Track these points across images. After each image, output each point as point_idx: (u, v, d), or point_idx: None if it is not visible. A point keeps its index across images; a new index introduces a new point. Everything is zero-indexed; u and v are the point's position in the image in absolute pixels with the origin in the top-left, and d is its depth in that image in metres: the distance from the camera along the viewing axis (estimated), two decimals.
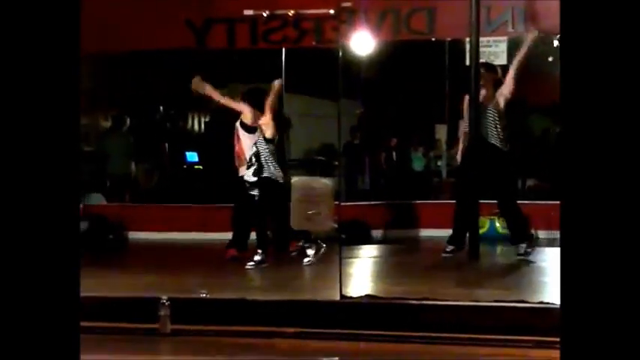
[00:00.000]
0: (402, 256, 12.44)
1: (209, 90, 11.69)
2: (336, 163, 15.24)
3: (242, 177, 11.43)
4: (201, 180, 16.89)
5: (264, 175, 11.10)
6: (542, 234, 13.58)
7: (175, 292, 8.72)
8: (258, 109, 11.17)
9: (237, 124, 11.55)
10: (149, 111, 17.92)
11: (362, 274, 11.08)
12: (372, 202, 15.21)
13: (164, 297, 8.29)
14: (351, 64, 12.79)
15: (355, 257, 12.04)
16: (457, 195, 11.83)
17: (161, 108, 18.00)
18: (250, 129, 11.42)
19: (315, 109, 17.60)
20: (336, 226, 11.33)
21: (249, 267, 10.87)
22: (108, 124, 16.92)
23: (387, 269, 11.49)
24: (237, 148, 11.52)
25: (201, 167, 17.52)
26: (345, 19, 13.50)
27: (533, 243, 12.15)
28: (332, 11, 13.31)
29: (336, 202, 11.85)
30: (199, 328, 8.26)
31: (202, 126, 19.80)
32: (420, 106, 17.69)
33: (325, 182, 11.37)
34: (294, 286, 9.76)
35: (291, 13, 14.28)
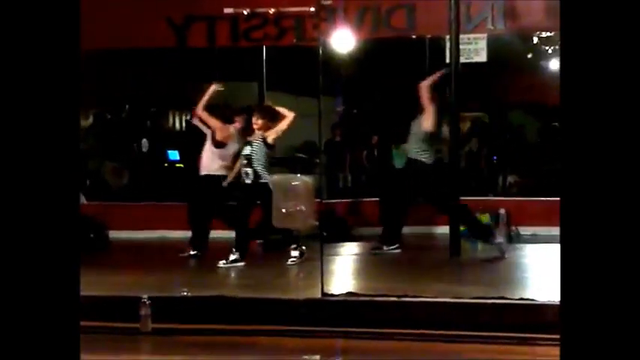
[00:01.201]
0: (383, 253, 12.45)
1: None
2: (317, 160, 15.23)
3: (210, 176, 11.89)
4: (182, 178, 16.83)
5: (262, 180, 11.05)
6: (522, 230, 13.64)
7: (156, 291, 8.72)
8: (271, 122, 11.18)
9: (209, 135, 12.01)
10: (130, 109, 17.87)
11: (343, 271, 11.09)
12: (353, 200, 15.22)
13: (145, 296, 8.28)
14: (331, 61, 12.80)
15: (336, 255, 12.05)
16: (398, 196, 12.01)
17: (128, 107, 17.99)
18: (219, 144, 11.95)
19: (296, 107, 17.58)
20: (316, 223, 11.36)
21: (222, 265, 10.84)
22: (89, 122, 16.85)
23: (368, 266, 11.50)
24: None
25: (182, 165, 17.46)
26: (325, 16, 13.53)
27: (513, 239, 12.22)
28: (312, 9, 13.34)
29: (317, 200, 11.89)
30: (180, 326, 8.26)
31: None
32: (401, 104, 17.67)
33: (306, 180, 11.40)
34: (276, 284, 9.76)
35: (271, 11, 14.30)
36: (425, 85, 11.52)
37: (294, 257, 11.09)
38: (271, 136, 11.06)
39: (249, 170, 11.04)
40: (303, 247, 11.16)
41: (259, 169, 11.00)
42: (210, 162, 11.93)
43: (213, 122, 11.92)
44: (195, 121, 12.29)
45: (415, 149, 11.75)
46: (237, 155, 11.65)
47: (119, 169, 17.05)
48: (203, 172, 12.01)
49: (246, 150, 11.12)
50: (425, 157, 11.63)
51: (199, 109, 11.94)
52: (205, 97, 11.94)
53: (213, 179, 11.90)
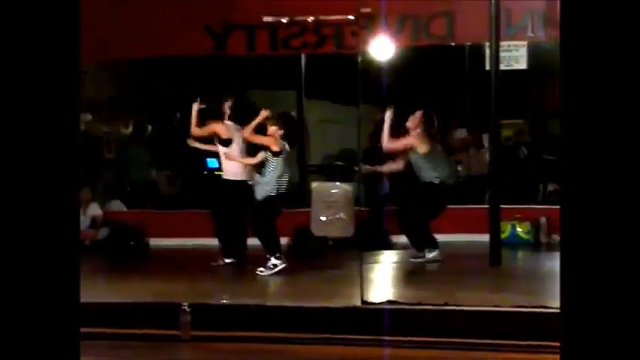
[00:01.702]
0: (421, 262, 12.40)
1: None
2: (356, 168, 15.20)
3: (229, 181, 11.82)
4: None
5: (270, 194, 11.03)
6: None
7: (196, 298, 8.74)
8: (288, 132, 11.16)
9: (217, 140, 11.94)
10: (169, 118, 17.93)
11: (383, 279, 11.06)
12: (393, 207, 15.16)
13: (185, 303, 8.30)
14: (370, 69, 12.77)
15: (375, 263, 12.02)
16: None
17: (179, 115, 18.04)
18: (225, 142, 11.83)
19: (335, 115, 17.56)
20: (355, 231, 11.34)
21: (263, 274, 10.81)
22: (129, 131, 16.93)
23: (407, 275, 11.46)
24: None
25: (221, 173, 17.50)
26: (365, 24, 13.50)
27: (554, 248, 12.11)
28: (351, 17, 13.32)
29: (356, 208, 11.87)
30: (220, 334, 8.27)
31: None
32: (440, 112, 17.64)
33: (345, 188, 11.39)
34: (315, 291, 9.74)
35: (310, 19, 14.30)
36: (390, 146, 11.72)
37: (270, 268, 10.90)
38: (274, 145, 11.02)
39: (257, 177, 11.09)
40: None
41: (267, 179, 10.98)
42: (231, 167, 11.86)
43: (211, 128, 11.90)
44: (194, 144, 12.23)
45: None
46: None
47: (172, 176, 17.13)
48: (226, 177, 11.95)
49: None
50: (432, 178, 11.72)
51: (193, 134, 12.00)
52: (193, 121, 11.94)
53: (232, 184, 11.84)
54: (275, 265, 10.82)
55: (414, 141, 11.67)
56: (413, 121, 11.80)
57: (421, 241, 11.84)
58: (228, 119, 11.89)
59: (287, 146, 11.03)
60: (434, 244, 11.77)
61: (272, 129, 11.07)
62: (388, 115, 11.65)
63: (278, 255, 10.89)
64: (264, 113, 11.29)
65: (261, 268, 10.84)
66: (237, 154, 11.74)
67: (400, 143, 11.72)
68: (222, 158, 11.95)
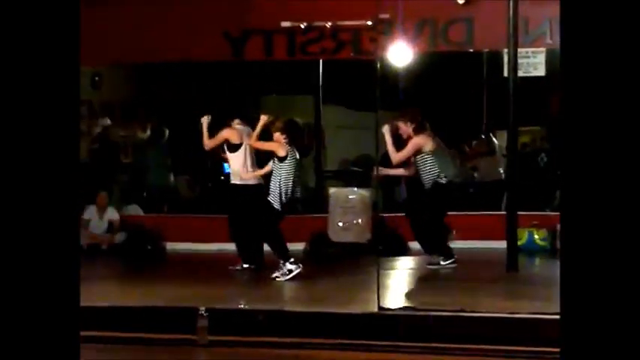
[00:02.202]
0: (438, 268, 12.39)
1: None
2: (373, 173, 15.20)
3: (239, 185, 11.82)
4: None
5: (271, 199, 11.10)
6: None
7: (213, 303, 8.75)
8: (293, 138, 11.24)
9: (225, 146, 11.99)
10: (187, 122, 17.99)
11: (399, 285, 11.06)
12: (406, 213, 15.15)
13: (202, 308, 8.31)
14: (388, 75, 12.77)
15: (392, 269, 12.01)
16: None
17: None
18: (234, 147, 11.87)
19: (353, 121, 17.55)
20: (372, 237, 11.33)
21: (280, 279, 10.82)
22: (146, 135, 16.97)
23: (424, 281, 11.45)
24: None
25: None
26: (383, 30, 13.50)
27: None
28: (369, 22, 13.32)
29: (374, 214, 11.87)
30: (237, 338, 8.28)
31: None
32: (458, 118, 17.60)
33: (363, 193, 11.39)
34: (331, 297, 9.74)
35: (328, 24, 14.31)
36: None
37: (285, 274, 10.91)
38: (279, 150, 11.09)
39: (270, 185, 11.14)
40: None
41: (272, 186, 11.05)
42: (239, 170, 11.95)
43: (222, 136, 12.00)
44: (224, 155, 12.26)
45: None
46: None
47: (190, 181, 17.17)
48: (234, 181, 12.01)
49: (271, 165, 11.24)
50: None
51: (205, 147, 12.11)
52: (204, 134, 12.06)
53: (241, 188, 11.92)
54: (290, 271, 10.82)
55: (420, 140, 11.64)
56: (404, 128, 11.77)
57: (434, 245, 11.83)
58: (239, 124, 11.96)
59: (296, 153, 11.08)
60: (449, 254, 11.76)
61: (277, 135, 11.14)
62: (387, 129, 11.64)
63: (292, 260, 10.90)
64: (264, 118, 11.36)
65: (277, 274, 10.85)
66: (242, 159, 11.80)
67: (408, 149, 11.70)
68: (230, 163, 12.01)
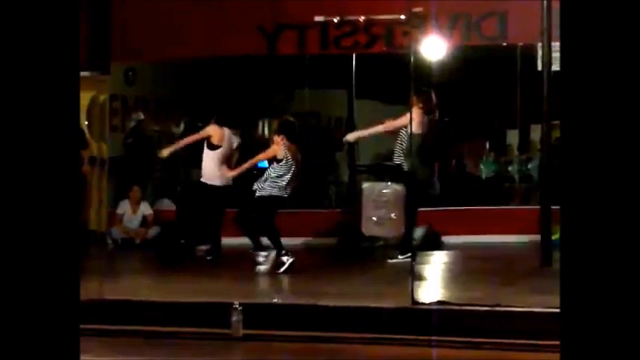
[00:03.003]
0: (472, 263, 12.36)
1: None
2: (405, 168, 15.17)
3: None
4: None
5: (257, 194, 11.27)
6: None
7: (247, 298, 8.77)
8: (290, 137, 11.45)
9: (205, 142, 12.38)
10: (221, 117, 18.03)
11: (433, 280, 11.03)
12: (442, 208, 15.12)
13: (236, 302, 8.33)
14: (421, 69, 12.74)
15: (426, 263, 11.98)
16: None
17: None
18: (214, 147, 12.29)
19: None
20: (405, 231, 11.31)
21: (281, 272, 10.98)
22: (180, 130, 17.01)
23: (458, 275, 11.42)
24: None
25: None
26: (416, 24, 13.45)
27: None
28: (403, 16, 13.26)
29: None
30: (271, 332, 8.29)
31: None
32: (492, 112, 17.56)
33: (397, 187, 11.35)
34: (364, 292, 9.74)
35: (361, 18, 14.29)
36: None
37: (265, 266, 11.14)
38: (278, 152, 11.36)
39: (257, 184, 11.33)
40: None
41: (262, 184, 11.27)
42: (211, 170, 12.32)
43: (206, 132, 12.39)
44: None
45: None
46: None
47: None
48: (205, 180, 12.40)
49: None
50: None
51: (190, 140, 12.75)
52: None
53: (209, 188, 12.34)
54: (283, 263, 10.98)
55: (406, 119, 11.63)
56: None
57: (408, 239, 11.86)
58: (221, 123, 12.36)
59: (289, 157, 11.31)
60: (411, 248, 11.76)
61: (276, 137, 11.40)
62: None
63: (284, 252, 11.10)
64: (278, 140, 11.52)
65: (263, 266, 11.10)
66: (217, 161, 12.30)
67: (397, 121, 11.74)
68: (204, 160, 12.39)
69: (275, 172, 11.26)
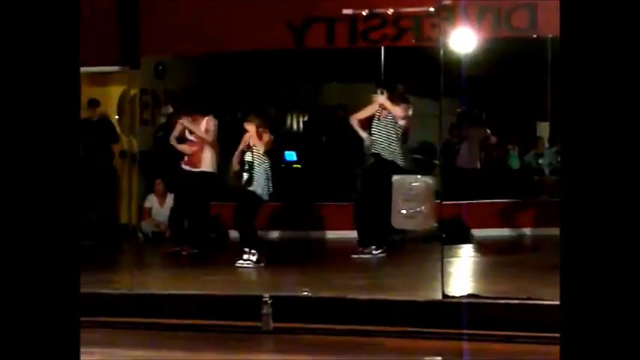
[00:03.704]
0: (502, 256, 12.33)
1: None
2: (436, 162, 15.14)
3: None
4: (299, 179, 16.91)
5: (250, 188, 11.35)
6: None
7: (277, 291, 8.78)
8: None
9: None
10: (248, 110, 18.06)
11: (463, 273, 11.01)
12: (472, 201, 15.09)
13: (266, 295, 8.34)
14: (450, 61, 12.70)
15: (456, 256, 11.96)
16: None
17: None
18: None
19: (415, 108, 17.51)
20: (436, 224, 11.28)
21: (240, 265, 11.07)
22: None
23: (488, 268, 11.39)
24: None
25: (299, 166, 17.55)
26: (445, 16, 13.41)
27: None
28: (432, 9, 13.23)
29: (437, 201, 11.80)
30: (301, 325, 8.30)
31: (301, 125, 19.83)
32: (522, 104, 17.47)
33: (426, 180, 11.32)
34: (395, 285, 9.73)
35: (390, 11, 14.23)
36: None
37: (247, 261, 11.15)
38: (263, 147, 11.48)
39: (245, 175, 11.41)
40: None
41: (256, 177, 11.36)
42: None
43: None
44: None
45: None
46: None
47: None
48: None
49: (248, 156, 11.50)
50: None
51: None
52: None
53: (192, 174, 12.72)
54: (251, 261, 11.07)
55: (388, 104, 11.66)
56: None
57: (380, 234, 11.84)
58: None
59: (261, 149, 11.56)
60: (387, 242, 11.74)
61: (265, 135, 11.69)
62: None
63: (254, 251, 11.17)
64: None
65: (241, 261, 11.14)
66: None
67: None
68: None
69: (267, 165, 11.49)
